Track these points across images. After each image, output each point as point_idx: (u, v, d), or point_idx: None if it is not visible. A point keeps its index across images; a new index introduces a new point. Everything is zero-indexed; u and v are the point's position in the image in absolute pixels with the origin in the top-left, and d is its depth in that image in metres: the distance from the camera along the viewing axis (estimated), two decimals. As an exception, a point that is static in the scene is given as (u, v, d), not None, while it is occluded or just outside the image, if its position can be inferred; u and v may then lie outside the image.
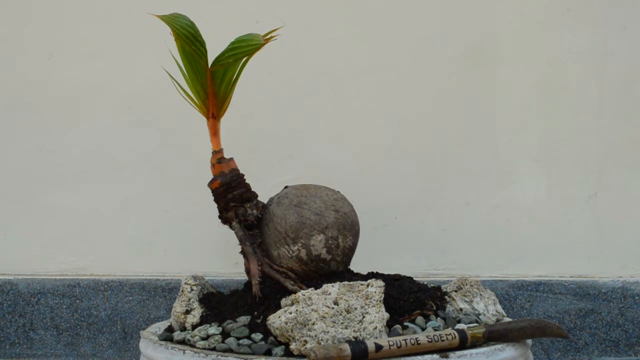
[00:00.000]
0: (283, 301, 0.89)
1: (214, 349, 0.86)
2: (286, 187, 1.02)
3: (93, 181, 1.35)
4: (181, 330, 0.94)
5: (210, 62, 0.95)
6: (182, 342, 0.90)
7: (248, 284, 0.99)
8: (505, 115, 1.34)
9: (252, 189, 1.00)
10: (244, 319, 0.90)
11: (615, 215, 1.33)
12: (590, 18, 1.33)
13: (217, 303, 0.96)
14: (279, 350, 0.84)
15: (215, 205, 0.99)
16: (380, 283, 0.88)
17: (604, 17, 1.33)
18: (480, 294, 1.00)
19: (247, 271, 0.98)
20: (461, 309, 0.96)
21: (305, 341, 0.83)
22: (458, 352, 0.84)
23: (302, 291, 0.86)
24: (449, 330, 0.86)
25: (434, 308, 0.94)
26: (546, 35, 1.34)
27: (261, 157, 1.33)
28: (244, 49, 0.94)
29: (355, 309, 0.86)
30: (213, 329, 0.89)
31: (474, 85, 1.34)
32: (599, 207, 1.33)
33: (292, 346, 0.83)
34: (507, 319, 0.99)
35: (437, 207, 1.34)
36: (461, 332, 0.86)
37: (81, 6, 1.35)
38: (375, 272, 1.04)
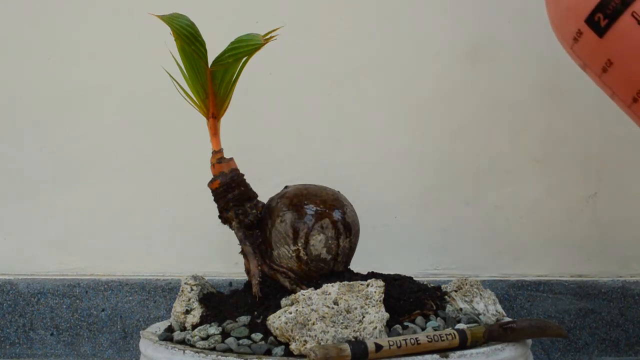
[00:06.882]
0: (283, 301, 0.89)
1: (214, 349, 0.86)
2: (286, 187, 1.02)
3: (93, 181, 1.35)
4: (181, 330, 0.94)
5: (210, 62, 0.95)
6: (182, 342, 0.90)
7: (248, 284, 0.99)
8: (505, 115, 1.34)
9: (252, 189, 1.00)
10: (244, 319, 0.90)
11: (615, 215, 1.33)
12: (590, 18, 1.33)
13: (217, 303, 0.96)
14: (279, 350, 0.84)
15: (215, 205, 0.99)
16: (380, 283, 0.88)
17: (604, 17, 1.33)
18: (480, 294, 1.00)
19: (247, 271, 0.98)
20: (461, 309, 0.96)
21: (305, 341, 0.83)
22: (458, 352, 0.84)
23: (302, 291, 0.86)
24: (449, 330, 0.86)
25: (434, 308, 0.94)
26: (546, 35, 1.33)
27: (261, 157, 1.33)
28: (244, 49, 0.94)
29: (355, 309, 0.86)
30: (213, 329, 0.89)
31: (474, 85, 1.34)
32: (599, 207, 1.33)
33: (292, 346, 0.84)
34: (507, 319, 0.99)
35: (437, 207, 1.34)
36: (461, 332, 0.86)
37: (81, 6, 1.35)
38: (375, 272, 1.04)
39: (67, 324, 1.32)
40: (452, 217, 1.34)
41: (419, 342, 0.83)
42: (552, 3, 0.94)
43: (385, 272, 1.03)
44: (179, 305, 0.97)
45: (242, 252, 0.98)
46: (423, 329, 0.89)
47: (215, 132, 0.99)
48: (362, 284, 0.88)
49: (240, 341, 0.86)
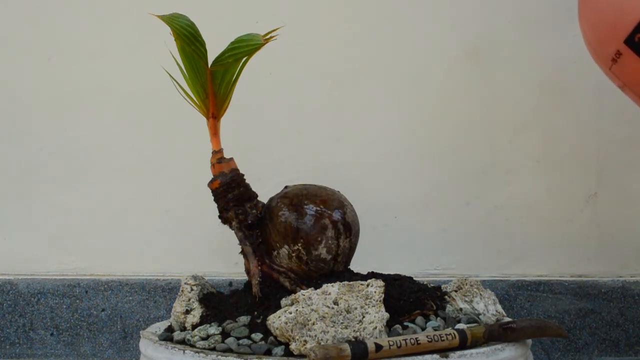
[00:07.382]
0: (283, 301, 0.89)
1: (214, 349, 0.86)
2: (286, 187, 1.02)
3: (93, 181, 1.35)
4: (181, 330, 0.94)
5: (210, 62, 0.95)
6: (182, 342, 0.90)
7: (248, 284, 0.99)
8: (505, 115, 1.34)
9: (252, 189, 1.00)
10: (244, 319, 0.90)
11: (615, 215, 1.33)
12: (590, 18, 1.33)
13: (217, 303, 0.96)
14: (279, 350, 0.84)
15: (215, 205, 0.99)
16: (380, 283, 0.88)
17: (604, 17, 1.33)
18: (480, 294, 1.00)
19: (247, 271, 0.98)
20: (461, 309, 0.96)
21: (305, 341, 0.83)
22: (458, 352, 0.84)
23: (302, 291, 0.86)
24: (449, 330, 0.86)
25: (434, 308, 0.94)
26: (546, 35, 1.34)
27: (261, 157, 1.33)
28: (244, 49, 0.94)
29: (355, 309, 0.86)
30: (213, 329, 0.89)
31: (474, 85, 1.34)
32: (599, 207, 1.33)
33: (292, 346, 0.84)
34: (507, 319, 0.99)
35: (437, 207, 1.34)
36: (461, 332, 0.86)
37: (81, 6, 1.35)
38: (375, 272, 1.04)
39: (67, 324, 1.32)
40: (452, 217, 1.34)
41: (419, 342, 0.83)
42: (588, 24, 0.92)
43: (385, 272, 1.03)
44: (179, 305, 0.97)
45: (242, 252, 0.98)
46: (423, 329, 0.89)
47: (215, 132, 0.99)
48: (362, 284, 0.88)
49: (240, 341, 0.86)
